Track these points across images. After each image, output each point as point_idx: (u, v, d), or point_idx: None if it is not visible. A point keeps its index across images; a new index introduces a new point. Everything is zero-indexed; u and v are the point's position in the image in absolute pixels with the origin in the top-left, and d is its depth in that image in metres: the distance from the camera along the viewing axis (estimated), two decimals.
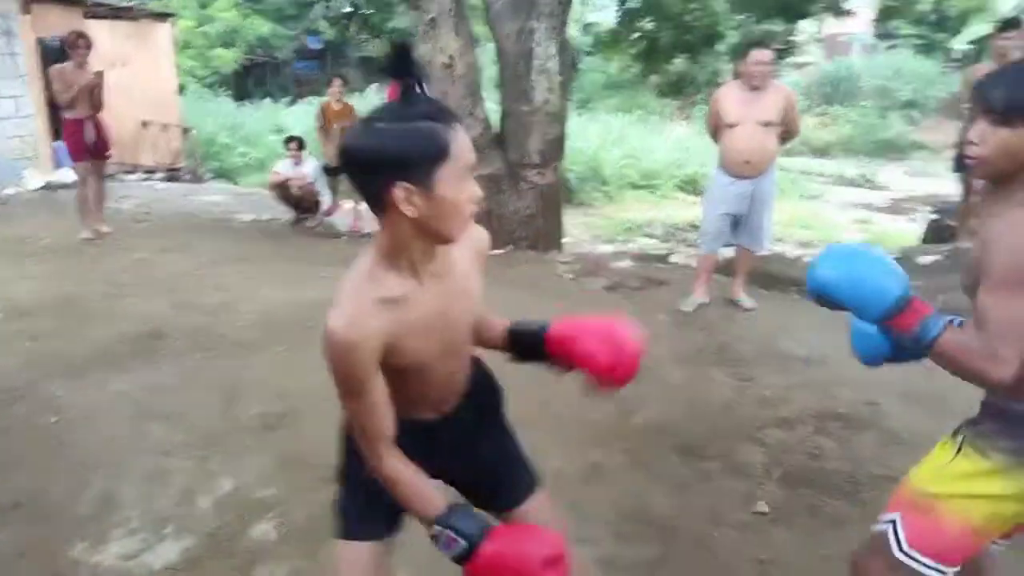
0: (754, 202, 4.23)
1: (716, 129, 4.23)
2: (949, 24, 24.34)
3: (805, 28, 24.24)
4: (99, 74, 5.65)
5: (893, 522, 1.43)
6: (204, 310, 4.19)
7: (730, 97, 4.13)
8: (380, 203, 1.14)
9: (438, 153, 1.11)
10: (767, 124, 4.03)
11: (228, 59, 21.02)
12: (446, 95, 5.76)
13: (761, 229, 4.38)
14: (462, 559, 1.19)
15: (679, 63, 12.20)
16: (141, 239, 5.92)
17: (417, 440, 1.30)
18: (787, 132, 4.18)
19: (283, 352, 3.63)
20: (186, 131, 12.20)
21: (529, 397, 3.07)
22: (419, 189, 1.11)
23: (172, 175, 11.50)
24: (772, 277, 5.65)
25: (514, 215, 6.00)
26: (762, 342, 4.00)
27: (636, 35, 10.91)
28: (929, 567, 1.38)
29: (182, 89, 15.92)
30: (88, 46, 5.69)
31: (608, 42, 12.10)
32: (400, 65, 1.17)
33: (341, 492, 1.45)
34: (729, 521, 2.39)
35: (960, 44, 24.04)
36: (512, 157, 5.98)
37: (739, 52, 4.62)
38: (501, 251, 5.93)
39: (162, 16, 13.28)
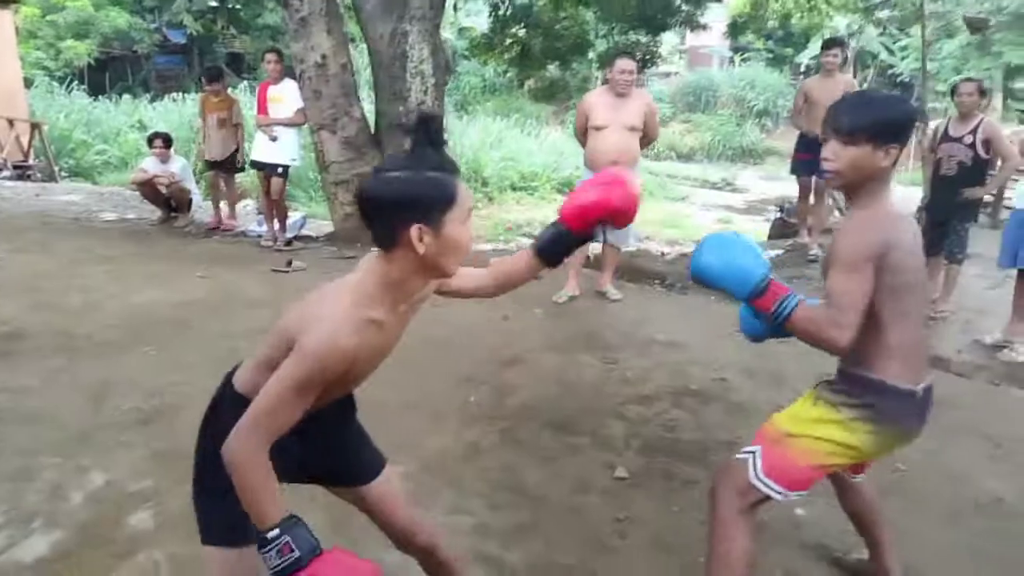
0: None
1: (584, 132, 4.52)
2: (795, 40, 26.58)
3: (669, 40, 25.69)
4: None
5: (754, 453, 1.72)
6: (67, 310, 4.01)
7: (598, 102, 4.45)
8: (393, 241, 1.27)
9: (449, 199, 1.28)
10: (632, 128, 4.36)
11: (81, 51, 19.63)
12: (320, 94, 5.78)
13: (626, 226, 4.71)
14: (285, 571, 1.21)
15: (551, 69, 12.65)
16: None
17: (291, 435, 1.31)
18: (647, 137, 4.53)
19: (153, 352, 3.56)
20: (35, 126, 11.35)
21: (412, 386, 3.21)
22: (431, 230, 1.26)
23: (21, 173, 10.66)
24: (638, 271, 6.06)
25: None
26: (627, 329, 4.32)
27: (509, 41, 11.19)
28: (775, 491, 1.69)
29: (30, 82, 14.75)
30: None
31: (482, 47, 12.35)
32: (425, 131, 1.31)
33: (209, 501, 1.44)
34: (593, 488, 2.63)
35: (804, 58, 26.33)
36: (388, 157, 6.05)
37: (606, 60, 4.96)
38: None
39: (2, 2, 12.27)
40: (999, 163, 4.57)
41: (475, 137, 16.13)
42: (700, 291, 5.50)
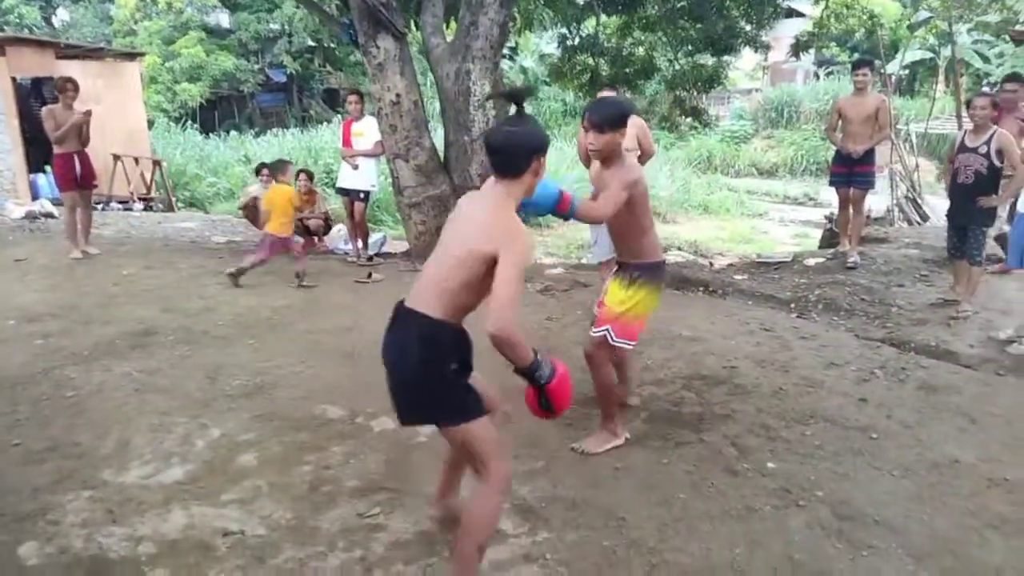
0: None
1: (587, 157, 5.08)
2: (886, 53, 26.01)
3: (752, 58, 25.72)
4: (87, 112, 6.37)
5: (608, 329, 2.95)
6: (188, 313, 4.91)
7: None
8: (519, 170, 2.06)
9: (548, 142, 2.14)
10: (627, 150, 4.88)
11: (194, 93, 21.70)
12: (395, 128, 6.59)
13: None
14: (553, 373, 2.05)
15: (619, 94, 13.16)
16: (126, 259, 6.59)
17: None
18: (644, 154, 5.03)
19: (255, 343, 4.36)
20: (157, 163, 12.86)
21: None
22: (543, 161, 2.10)
23: (146, 205, 12.13)
24: (685, 280, 6.53)
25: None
26: (658, 326, 4.79)
27: (578, 68, 11.80)
28: (626, 344, 3.00)
29: (152, 124, 16.57)
30: (76, 89, 6.41)
31: (555, 74, 13.04)
32: (518, 97, 2.21)
33: (449, 389, 2.08)
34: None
35: (893, 69, 25.73)
36: (456, 181, 6.79)
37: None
38: None
39: (130, 55, 13.98)
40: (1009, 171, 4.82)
41: (552, 160, 16.82)
42: (738, 296, 5.94)
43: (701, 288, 6.25)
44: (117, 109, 12.33)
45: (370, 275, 6.11)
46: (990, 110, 4.72)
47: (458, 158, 6.79)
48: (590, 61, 11.89)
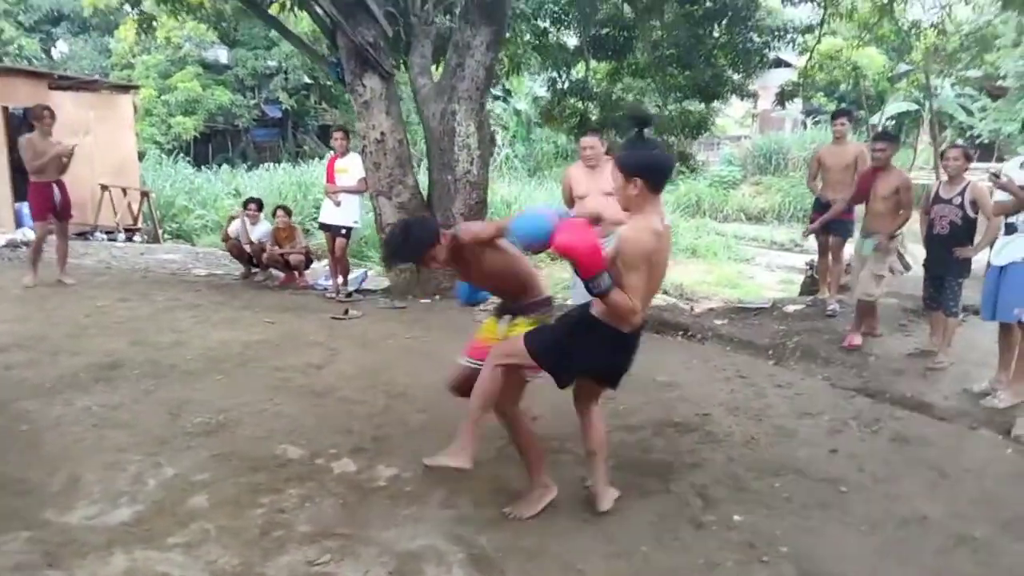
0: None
1: (571, 200, 5.17)
2: (868, 102, 26.56)
3: (742, 106, 26.19)
4: (72, 147, 6.37)
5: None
6: (158, 347, 4.83)
7: (578, 174, 5.18)
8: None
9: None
10: (608, 194, 4.90)
11: (189, 127, 21.82)
12: (379, 166, 6.62)
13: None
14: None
15: (608, 138, 13.31)
16: (101, 290, 6.53)
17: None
18: None
19: (222, 379, 4.29)
20: (144, 195, 12.85)
21: (436, 408, 3.79)
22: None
23: (131, 235, 12.08)
24: (665, 324, 6.50)
25: (441, 269, 6.76)
26: (633, 371, 4.74)
27: (568, 112, 11.94)
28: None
29: (143, 155, 16.62)
30: (53, 117, 6.42)
31: (545, 116, 13.21)
32: (640, 122, 2.61)
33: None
34: (563, 492, 3.10)
35: (879, 119, 26.24)
36: (439, 219, 6.79)
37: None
38: (428, 300, 6.70)
39: (124, 88, 14.08)
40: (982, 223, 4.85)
41: (541, 198, 16.95)
42: (717, 342, 5.92)
43: (680, 332, 6.23)
44: (108, 140, 12.38)
45: (347, 311, 6.06)
46: (963, 161, 4.77)
47: (441, 197, 6.82)
48: (579, 105, 12.04)
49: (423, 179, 7.35)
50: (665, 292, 12.34)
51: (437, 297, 6.78)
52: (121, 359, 4.51)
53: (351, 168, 6.79)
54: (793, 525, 2.87)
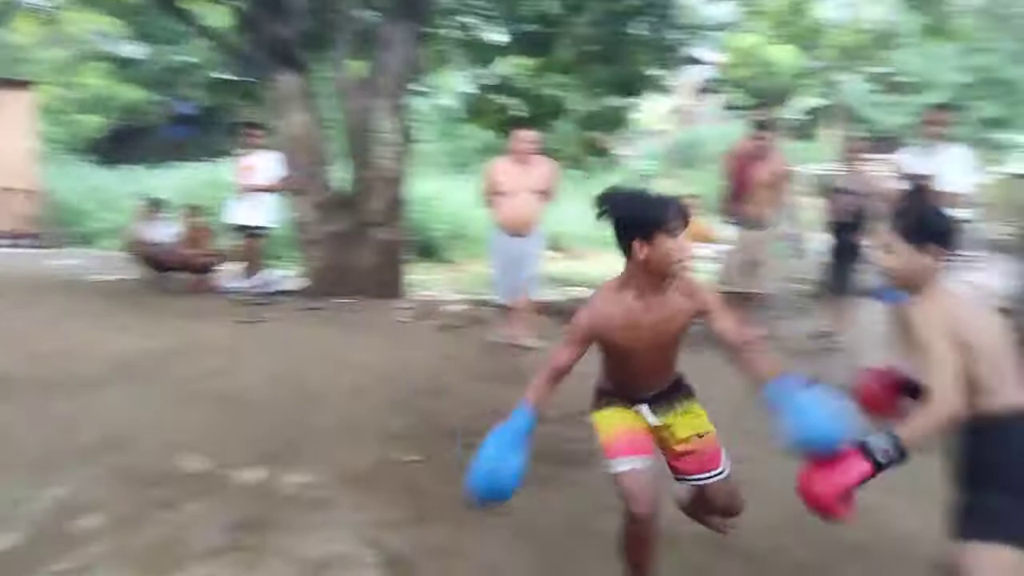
0: (527, 256, 5.00)
1: (491, 195, 5.00)
2: (783, 98, 27.55)
3: (664, 102, 26.70)
4: None
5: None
6: (50, 358, 4.51)
7: (504, 169, 4.93)
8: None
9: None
10: (536, 192, 4.87)
11: (95, 125, 20.73)
12: (295, 163, 6.40)
13: (533, 279, 5.15)
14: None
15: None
16: None
17: None
18: (548, 198, 5.02)
19: (118, 391, 4.02)
20: (40, 196, 12.11)
21: (348, 413, 3.66)
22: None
23: (27, 240, 11.36)
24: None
25: (360, 268, 6.63)
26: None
27: (492, 109, 11.89)
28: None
29: (44, 155, 15.64)
30: None
31: (470, 112, 13.12)
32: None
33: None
34: None
35: (788, 115, 27.31)
36: (359, 217, 6.64)
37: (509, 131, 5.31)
38: (350, 300, 6.53)
39: (21, 84, 13.24)
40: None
41: (464, 196, 16.81)
42: None
43: None
44: (1, 139, 11.62)
45: (257, 315, 5.82)
46: (865, 153, 4.96)
47: (361, 195, 6.65)
48: (506, 101, 11.99)
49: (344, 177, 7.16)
50: (588, 286, 12.47)
51: (356, 297, 6.61)
52: (6, 371, 4.18)
53: (265, 166, 6.55)
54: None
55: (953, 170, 4.41)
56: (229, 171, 17.06)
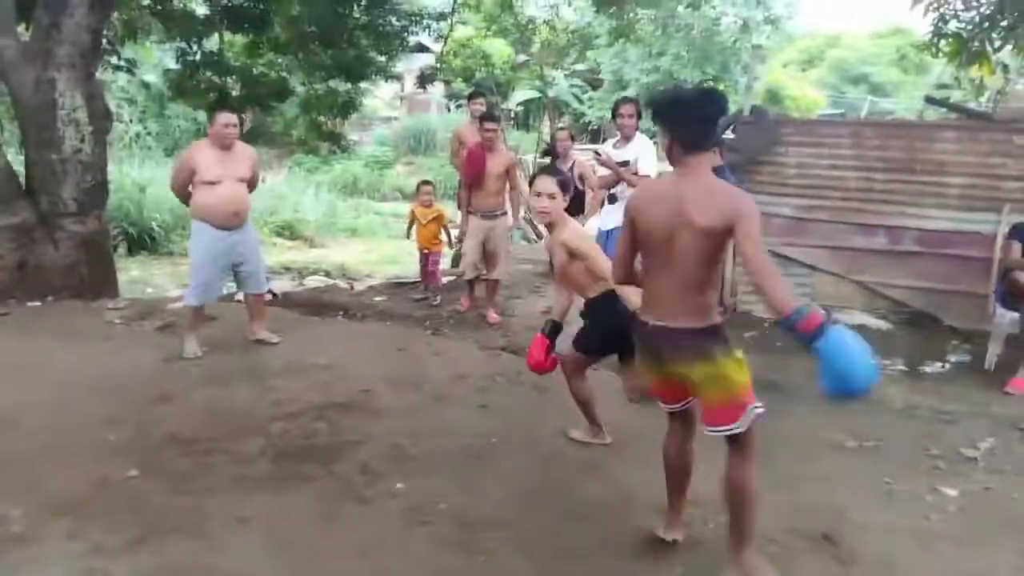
0: (244, 251, 4.69)
1: (186, 184, 4.54)
2: (501, 89, 29.21)
3: (390, 88, 26.66)
4: None
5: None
6: None
7: (205, 156, 4.45)
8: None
9: None
10: (242, 180, 4.58)
11: None
12: None
13: (261, 272, 4.91)
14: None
15: (253, 115, 12.61)
16: None
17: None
18: (252, 187, 4.72)
19: None
20: None
21: (50, 431, 3.22)
22: None
23: None
24: (325, 305, 6.41)
25: (52, 265, 5.76)
26: (291, 357, 4.61)
27: (203, 86, 10.98)
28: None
29: None
30: None
31: (176, 90, 11.97)
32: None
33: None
34: (217, 493, 2.87)
35: (511, 105, 29.08)
36: (44, 207, 5.75)
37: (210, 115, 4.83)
38: (38, 303, 5.65)
39: None
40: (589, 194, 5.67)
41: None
42: (376, 318, 6.00)
43: (341, 312, 6.18)
44: None
45: None
46: (569, 142, 5.51)
47: (45, 179, 5.75)
48: (216, 79, 11.15)
49: (18, 159, 6.13)
50: (326, 273, 12.19)
51: (50, 298, 5.74)
52: None
53: None
54: (450, 482, 3.03)
55: (644, 157, 5.07)
56: None
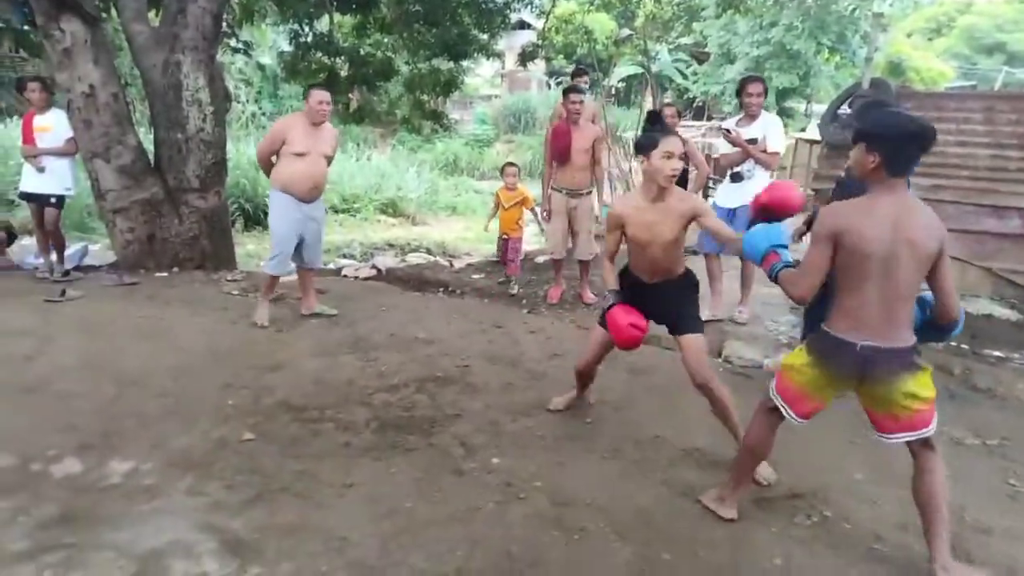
0: (317, 223, 4.85)
1: (272, 154, 4.68)
2: (603, 65, 28.76)
3: (491, 66, 26.76)
4: None
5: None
6: None
7: (298, 128, 4.63)
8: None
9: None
10: (326, 156, 4.72)
11: None
12: (90, 124, 5.79)
13: (319, 248, 5.04)
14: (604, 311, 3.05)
15: (360, 94, 12.96)
16: None
17: (635, 289, 3.13)
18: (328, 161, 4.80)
19: None
20: None
21: (175, 394, 3.46)
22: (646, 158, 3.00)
23: None
24: (425, 281, 6.55)
25: (177, 238, 6.16)
26: (394, 331, 4.76)
27: (314, 67, 11.37)
28: (781, 405, 2.47)
29: None
30: None
31: (289, 71, 12.45)
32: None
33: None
34: (327, 460, 3.01)
35: (613, 81, 28.58)
36: (171, 183, 6.14)
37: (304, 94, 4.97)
38: (165, 273, 6.07)
39: None
40: (693, 172, 5.49)
41: None
42: (475, 295, 6.09)
43: (440, 289, 6.32)
44: None
45: (64, 292, 5.27)
46: (676, 119, 5.33)
47: (172, 158, 6.15)
48: (326, 60, 11.52)
49: (147, 139, 6.56)
50: (428, 251, 12.48)
51: (175, 269, 6.16)
52: None
53: (55, 126, 5.83)
54: (546, 460, 3.05)
55: (771, 134, 4.87)
56: (11, 134, 15.16)
